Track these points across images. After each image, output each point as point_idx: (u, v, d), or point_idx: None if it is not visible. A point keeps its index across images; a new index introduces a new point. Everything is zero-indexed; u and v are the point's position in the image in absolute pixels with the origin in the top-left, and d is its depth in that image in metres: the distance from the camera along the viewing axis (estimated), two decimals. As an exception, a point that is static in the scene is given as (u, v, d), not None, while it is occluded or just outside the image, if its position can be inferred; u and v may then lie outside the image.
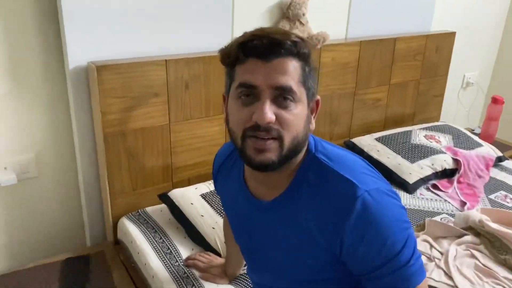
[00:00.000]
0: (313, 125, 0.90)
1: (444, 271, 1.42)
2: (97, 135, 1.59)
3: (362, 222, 0.81)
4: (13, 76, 1.50)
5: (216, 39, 1.75)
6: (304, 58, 0.84)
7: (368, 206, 0.81)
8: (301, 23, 1.88)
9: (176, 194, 1.63)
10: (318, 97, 0.91)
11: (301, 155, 0.89)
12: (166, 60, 1.59)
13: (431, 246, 1.53)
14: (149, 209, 1.69)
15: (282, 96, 0.81)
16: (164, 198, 1.64)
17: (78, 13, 1.45)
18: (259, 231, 0.98)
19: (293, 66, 0.82)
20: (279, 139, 0.82)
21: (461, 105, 2.92)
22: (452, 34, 2.45)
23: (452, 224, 1.62)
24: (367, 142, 2.14)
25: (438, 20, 2.47)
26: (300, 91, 0.83)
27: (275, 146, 0.82)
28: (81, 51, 1.50)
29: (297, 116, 0.83)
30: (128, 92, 1.54)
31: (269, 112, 0.80)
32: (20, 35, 1.47)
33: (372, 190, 0.83)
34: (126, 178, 1.64)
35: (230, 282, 1.38)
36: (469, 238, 1.55)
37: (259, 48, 0.81)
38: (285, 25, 1.86)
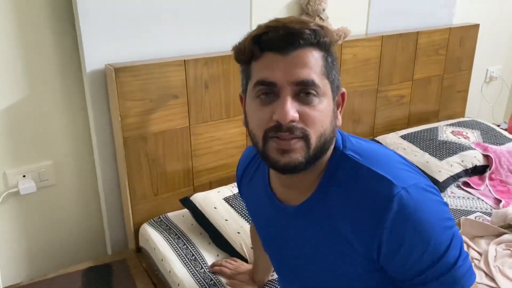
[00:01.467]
0: (339, 120, 0.82)
1: (485, 272, 1.34)
2: (116, 140, 1.55)
3: (401, 222, 0.73)
4: (30, 81, 1.47)
5: (234, 38, 1.69)
6: (325, 47, 0.77)
7: (406, 205, 0.73)
8: (321, 18, 1.82)
9: (199, 198, 1.58)
10: (343, 89, 0.85)
11: (329, 153, 0.82)
12: (184, 60, 1.54)
13: (468, 246, 1.45)
14: (170, 214, 1.64)
15: (304, 91, 0.74)
16: (186, 202, 1.59)
17: (95, 15, 1.41)
18: (288, 238, 0.91)
19: (314, 57, 0.75)
20: (305, 138, 0.75)
21: (485, 100, 2.82)
22: (476, 27, 2.37)
23: (489, 223, 1.54)
24: (392, 140, 2.07)
25: (460, 13, 2.39)
26: (323, 84, 0.76)
27: (301, 145, 0.75)
28: (98, 53, 1.46)
29: (322, 111, 0.75)
30: (147, 94, 1.49)
31: (292, 110, 0.73)
32: (36, 39, 1.44)
33: (409, 186, 0.75)
34: (147, 183, 1.60)
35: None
36: (509, 236, 1.46)
37: (275, 40, 0.74)
38: (304, 22, 1.80)
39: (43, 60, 1.47)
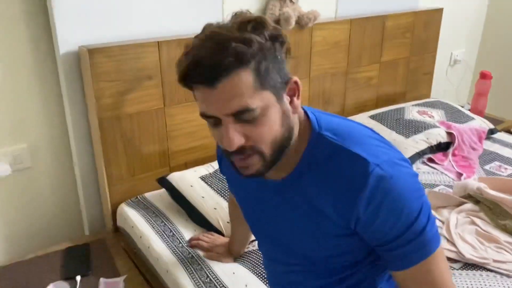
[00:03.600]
0: (297, 108, 0.84)
1: (447, 239, 1.43)
2: (91, 121, 1.56)
3: (377, 197, 0.79)
4: (3, 65, 1.46)
5: (207, 19, 1.71)
6: (254, 59, 0.73)
7: (381, 181, 0.78)
8: (291, 1, 1.86)
9: (175, 177, 1.61)
10: (294, 78, 0.84)
11: (304, 137, 0.85)
12: (158, 41, 1.56)
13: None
14: (148, 194, 1.67)
15: (242, 118, 0.76)
16: (163, 182, 1.62)
17: (67, -4, 1.42)
18: (268, 210, 0.96)
19: (241, 80, 0.73)
20: (258, 152, 0.79)
21: (449, 82, 2.94)
22: (440, 11, 2.46)
23: (451, 194, 1.64)
24: (361, 120, 2.14)
25: (425, -3, 2.48)
26: (261, 98, 0.75)
27: (257, 159, 0.80)
28: (71, 35, 1.47)
29: (268, 124, 0.77)
30: (121, 75, 1.51)
31: (236, 137, 0.76)
32: (7, 21, 1.44)
33: (383, 162, 0.80)
34: (123, 164, 1.62)
35: (235, 260, 1.37)
36: (468, 206, 1.56)
37: (199, 77, 0.74)
38: (275, 5, 1.84)
39: (14, 42, 1.47)
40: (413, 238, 0.80)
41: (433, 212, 1.52)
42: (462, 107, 2.76)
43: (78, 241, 1.61)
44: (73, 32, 1.47)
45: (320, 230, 0.88)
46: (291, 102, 0.82)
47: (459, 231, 1.47)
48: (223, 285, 1.25)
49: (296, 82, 0.84)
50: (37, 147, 1.61)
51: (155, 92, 1.61)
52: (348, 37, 2.11)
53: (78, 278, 1.42)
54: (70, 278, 1.42)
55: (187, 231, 1.48)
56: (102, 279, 1.42)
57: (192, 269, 1.32)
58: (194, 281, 1.27)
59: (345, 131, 0.87)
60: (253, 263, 1.35)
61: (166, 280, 1.36)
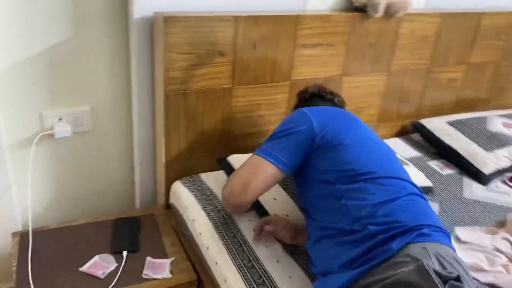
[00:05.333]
0: None
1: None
2: (157, 93, 1.49)
3: None
4: (75, 22, 1.41)
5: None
6: None
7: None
8: (383, -13, 1.69)
9: (236, 159, 1.53)
10: None
11: None
12: (235, 16, 1.46)
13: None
14: (203, 175, 1.60)
15: None
16: (223, 163, 1.54)
17: (148, -43, 1.33)
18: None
19: None
20: None
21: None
22: (544, 14, 2.19)
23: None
24: (438, 125, 1.96)
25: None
26: None
27: None
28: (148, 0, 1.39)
29: None
30: (193, 48, 1.42)
31: None
32: (86, -22, 1.37)
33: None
34: (183, 141, 1.55)
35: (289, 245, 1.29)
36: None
37: None
38: (364, -11, 1.68)
39: (90, 1, 1.41)
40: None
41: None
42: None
43: (127, 213, 1.58)
44: (149, -4, 1.39)
45: None
46: None
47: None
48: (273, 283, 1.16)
49: None
50: (99, 112, 1.57)
51: (225, 69, 1.51)
52: (436, 32, 1.91)
53: (125, 253, 1.38)
54: (118, 252, 1.38)
55: (240, 221, 1.39)
56: (148, 258, 1.38)
57: (243, 265, 1.23)
58: (245, 278, 1.19)
59: None
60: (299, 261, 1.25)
61: (214, 271, 1.29)
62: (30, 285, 1.24)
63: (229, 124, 1.61)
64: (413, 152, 1.92)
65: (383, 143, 1.25)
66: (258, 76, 1.58)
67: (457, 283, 0.84)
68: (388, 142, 1.96)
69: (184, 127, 1.53)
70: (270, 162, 1.16)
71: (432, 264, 0.87)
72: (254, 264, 1.24)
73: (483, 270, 1.28)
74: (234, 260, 1.25)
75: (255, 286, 1.16)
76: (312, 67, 1.68)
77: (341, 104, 1.43)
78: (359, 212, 1.03)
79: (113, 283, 1.27)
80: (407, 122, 2.06)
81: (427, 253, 0.91)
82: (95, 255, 1.37)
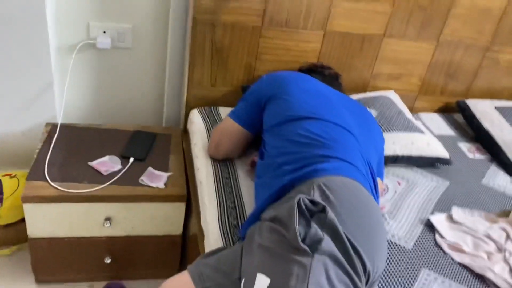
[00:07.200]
0: None
1: (511, 268, 1.19)
2: (188, 19, 1.57)
3: None
4: None
5: None
6: None
7: None
8: None
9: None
10: None
11: None
12: (274, -46, 1.46)
13: (508, 237, 1.29)
14: (221, 108, 1.67)
15: None
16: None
17: None
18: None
19: None
20: None
21: None
22: None
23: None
24: (484, 108, 1.83)
25: None
26: None
27: None
28: None
29: None
30: (226, -20, 1.46)
31: None
32: None
33: None
34: (206, 71, 1.62)
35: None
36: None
37: None
38: None
39: None
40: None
41: None
42: None
43: (148, 128, 1.71)
44: None
45: None
46: None
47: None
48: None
49: None
50: (139, 31, 1.68)
51: (258, 7, 1.53)
52: (506, 6, 1.74)
53: (131, 160, 1.52)
54: (125, 157, 1.53)
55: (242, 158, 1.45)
56: (150, 168, 1.50)
57: (223, 190, 1.31)
58: (219, 199, 1.27)
59: None
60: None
61: (198, 190, 1.38)
62: (44, 166, 1.43)
63: (254, 63, 1.64)
64: (447, 130, 1.82)
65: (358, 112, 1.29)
66: (291, 19, 1.58)
67: (322, 214, 0.88)
68: (424, 116, 1.88)
69: (209, 58, 1.60)
70: (234, 121, 1.34)
71: (306, 200, 0.89)
72: (233, 190, 1.31)
73: (462, 251, 1.22)
74: (217, 183, 1.33)
75: (226, 208, 1.24)
76: (351, 20, 1.64)
77: (331, 76, 1.47)
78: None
79: (111, 181, 1.42)
80: (452, 100, 1.94)
81: (312, 187, 0.95)
82: (106, 156, 1.52)
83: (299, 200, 0.88)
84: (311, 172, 1.00)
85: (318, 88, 1.27)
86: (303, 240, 0.84)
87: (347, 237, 0.87)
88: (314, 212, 0.89)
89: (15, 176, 1.61)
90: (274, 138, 1.18)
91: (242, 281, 0.91)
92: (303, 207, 0.88)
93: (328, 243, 0.85)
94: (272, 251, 0.88)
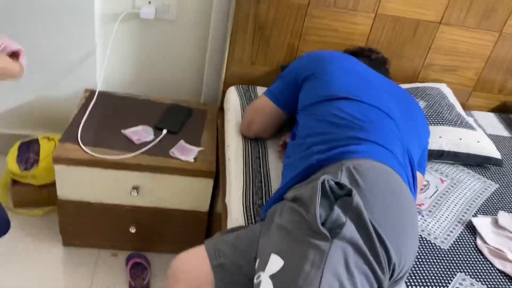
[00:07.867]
0: None
1: None
2: (232, -7, 1.52)
3: None
4: None
5: None
6: None
7: None
8: None
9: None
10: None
11: None
12: None
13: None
14: (259, 88, 1.62)
15: None
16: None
17: None
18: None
19: None
20: None
21: None
22: None
23: None
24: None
25: None
26: None
27: None
28: None
29: None
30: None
31: None
32: None
33: None
34: (247, 48, 1.58)
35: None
36: None
37: None
38: None
39: None
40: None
41: None
42: None
43: (186, 103, 1.68)
44: None
45: None
46: None
47: None
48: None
49: None
50: (185, 4, 1.65)
51: (305, -16, 1.47)
52: None
53: (164, 131, 1.50)
54: (159, 129, 1.51)
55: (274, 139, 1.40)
56: (182, 141, 1.48)
57: (251, 168, 1.26)
58: (246, 184, 1.22)
59: None
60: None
61: (226, 166, 1.34)
62: (78, 130, 1.44)
63: (298, 42, 1.58)
64: (502, 131, 1.67)
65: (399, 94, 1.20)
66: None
67: (348, 198, 0.81)
68: (477, 115, 1.74)
69: (251, 35, 1.55)
70: (269, 99, 1.29)
71: (331, 181, 0.83)
72: (262, 170, 1.26)
73: (505, 259, 1.11)
74: (245, 161, 1.28)
75: (252, 187, 1.19)
76: (405, 4, 1.53)
77: (379, 60, 1.36)
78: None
79: (141, 150, 1.41)
80: (508, 99, 1.78)
81: (340, 169, 0.88)
82: (140, 125, 1.51)
83: (323, 181, 0.82)
84: (341, 154, 0.93)
85: (359, 70, 1.19)
86: (323, 224, 0.78)
87: (372, 225, 0.80)
88: (340, 195, 0.82)
89: (52, 139, 1.63)
90: (307, 118, 1.12)
91: (257, 262, 0.86)
92: (327, 188, 0.81)
93: (350, 229, 0.78)
94: (290, 232, 0.82)
